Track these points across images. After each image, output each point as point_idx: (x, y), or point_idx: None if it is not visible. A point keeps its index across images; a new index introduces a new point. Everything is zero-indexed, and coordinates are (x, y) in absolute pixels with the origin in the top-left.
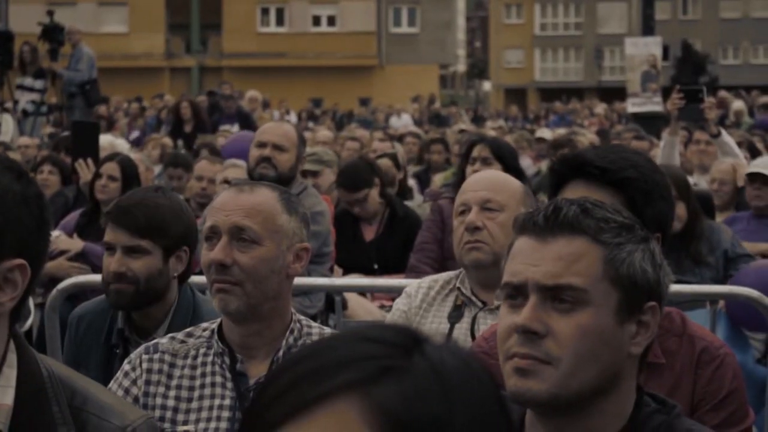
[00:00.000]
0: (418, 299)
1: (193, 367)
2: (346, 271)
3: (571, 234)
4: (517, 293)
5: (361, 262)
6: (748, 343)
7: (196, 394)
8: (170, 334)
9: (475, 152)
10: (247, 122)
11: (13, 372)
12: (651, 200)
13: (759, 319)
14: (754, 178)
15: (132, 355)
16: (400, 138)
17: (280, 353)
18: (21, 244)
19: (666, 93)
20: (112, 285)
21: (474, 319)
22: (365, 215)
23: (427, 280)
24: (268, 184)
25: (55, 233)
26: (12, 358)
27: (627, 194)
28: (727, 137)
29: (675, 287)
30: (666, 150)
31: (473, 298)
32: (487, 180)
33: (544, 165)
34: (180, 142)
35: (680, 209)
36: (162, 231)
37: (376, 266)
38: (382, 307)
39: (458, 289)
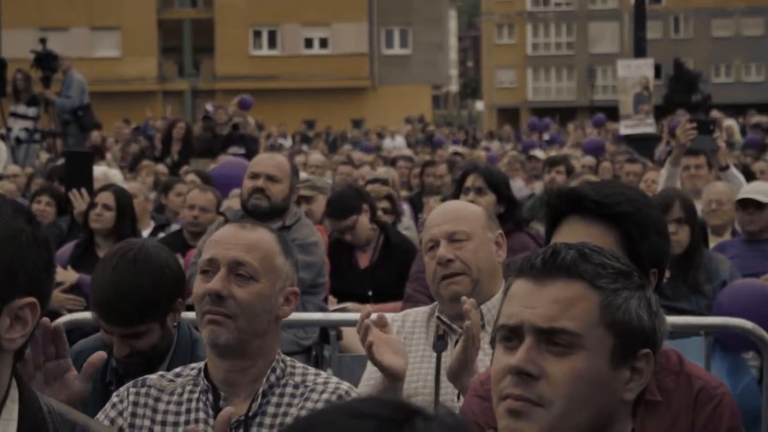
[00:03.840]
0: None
1: (179, 403)
2: (341, 299)
3: (568, 278)
4: (512, 335)
5: (355, 290)
6: (747, 366)
7: (180, 429)
8: (160, 372)
9: (469, 181)
10: (253, 146)
11: (16, 406)
12: (646, 235)
13: (748, 339)
14: (746, 203)
15: (120, 389)
16: (393, 161)
17: (260, 391)
18: (32, 283)
19: (659, 112)
20: (122, 360)
21: None
22: (357, 242)
23: (399, 315)
24: (266, 225)
25: None
26: (14, 393)
27: (623, 228)
28: (735, 170)
29: (671, 319)
30: (669, 181)
31: (453, 326)
32: (448, 212)
33: (537, 186)
34: (168, 161)
35: (684, 233)
36: (152, 311)
37: (370, 293)
38: None
39: (438, 318)
